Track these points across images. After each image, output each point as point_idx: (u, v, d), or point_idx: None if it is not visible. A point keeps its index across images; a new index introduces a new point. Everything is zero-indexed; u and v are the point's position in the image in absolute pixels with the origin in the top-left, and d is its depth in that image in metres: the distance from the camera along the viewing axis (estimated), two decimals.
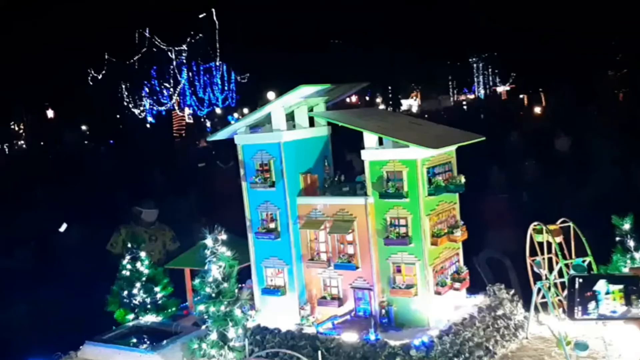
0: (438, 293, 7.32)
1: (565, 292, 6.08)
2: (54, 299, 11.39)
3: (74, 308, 10.39)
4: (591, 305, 3.68)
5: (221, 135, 8.33)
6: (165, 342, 7.78)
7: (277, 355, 7.00)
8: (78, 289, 11.37)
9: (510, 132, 19.89)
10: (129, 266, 8.73)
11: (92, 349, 8.11)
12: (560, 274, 7.09)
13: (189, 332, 7.94)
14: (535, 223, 7.41)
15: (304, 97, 7.89)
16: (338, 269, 7.63)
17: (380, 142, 7.47)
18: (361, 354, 6.76)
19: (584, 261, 6.85)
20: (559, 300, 7.18)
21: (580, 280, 3.63)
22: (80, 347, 8.23)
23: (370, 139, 7.42)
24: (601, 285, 3.70)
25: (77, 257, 13.29)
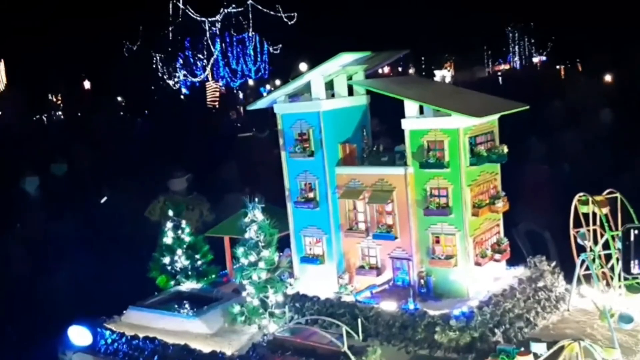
0: (478, 264, 7.28)
1: (610, 263, 5.89)
2: (98, 265, 11.71)
3: (118, 273, 10.68)
4: None
5: (261, 104, 8.35)
6: (206, 307, 7.97)
7: (317, 322, 7.10)
8: (120, 255, 11.66)
9: (550, 102, 19.42)
10: (170, 234, 8.89)
11: (136, 314, 8.37)
12: (606, 246, 6.95)
13: (230, 299, 8.10)
14: (581, 194, 7.26)
15: (343, 65, 7.83)
16: (377, 239, 7.65)
17: (421, 110, 7.37)
18: (400, 322, 6.81)
19: None
20: (603, 272, 7.06)
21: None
22: (124, 311, 8.50)
23: (411, 107, 7.33)
24: None
25: (118, 225, 13.59)
